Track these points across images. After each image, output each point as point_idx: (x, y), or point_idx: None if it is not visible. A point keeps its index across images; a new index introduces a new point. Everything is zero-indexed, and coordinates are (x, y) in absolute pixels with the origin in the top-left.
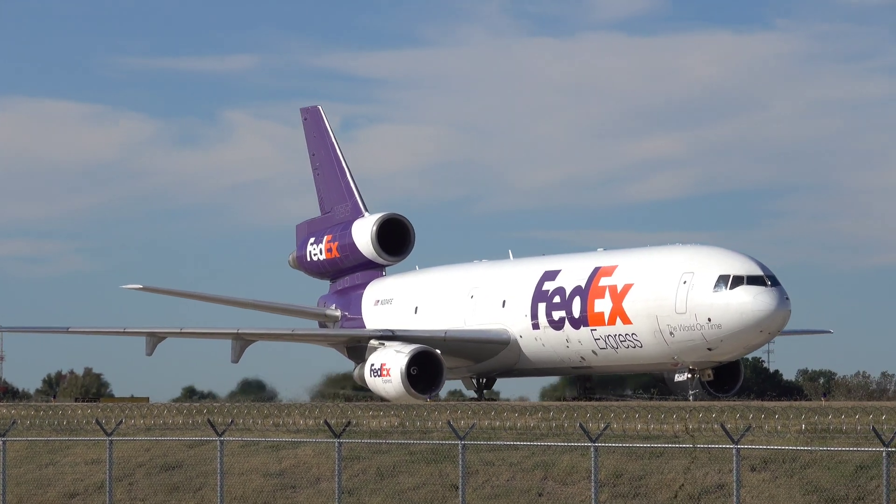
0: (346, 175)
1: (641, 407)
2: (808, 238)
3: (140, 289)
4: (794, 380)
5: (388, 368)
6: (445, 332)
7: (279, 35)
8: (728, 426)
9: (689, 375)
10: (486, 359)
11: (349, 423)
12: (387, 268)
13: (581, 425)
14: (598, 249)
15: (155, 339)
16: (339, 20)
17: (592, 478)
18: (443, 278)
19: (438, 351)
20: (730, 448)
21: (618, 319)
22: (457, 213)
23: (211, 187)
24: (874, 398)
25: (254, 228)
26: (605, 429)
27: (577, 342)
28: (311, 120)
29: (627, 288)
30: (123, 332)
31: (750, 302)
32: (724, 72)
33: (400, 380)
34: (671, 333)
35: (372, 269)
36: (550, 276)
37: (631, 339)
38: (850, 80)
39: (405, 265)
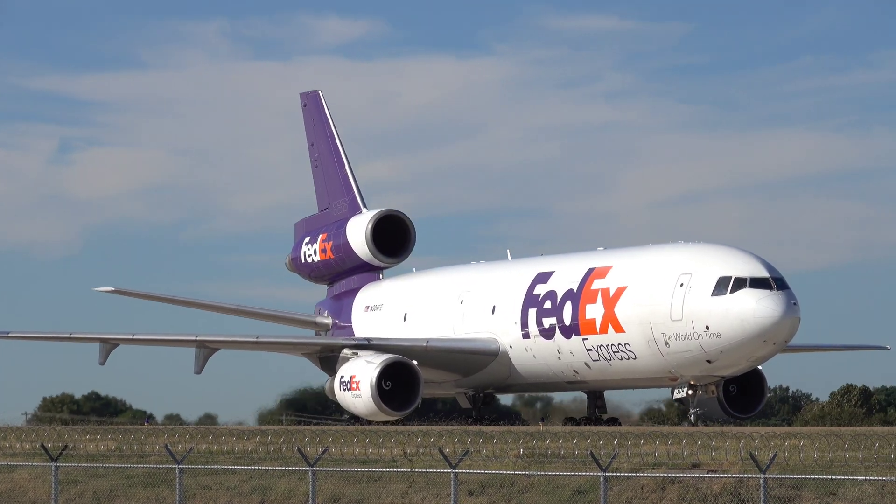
0: (344, 167)
1: (360, 431)
2: None
3: (112, 291)
4: (510, 405)
5: (357, 381)
6: (427, 340)
7: None
8: (446, 450)
9: (690, 392)
10: (475, 372)
11: (66, 446)
12: (385, 270)
13: (299, 449)
14: (598, 248)
15: (108, 346)
16: (55, 42)
17: (310, 502)
18: (435, 282)
19: (415, 362)
20: (447, 472)
21: (609, 327)
22: (174, 236)
23: None
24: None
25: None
26: (323, 453)
27: (568, 353)
28: (311, 106)
29: (620, 291)
30: (69, 338)
31: (752, 308)
32: (446, 97)
33: (370, 394)
34: (666, 343)
35: (368, 272)
36: (543, 278)
37: (624, 349)
38: (569, 105)
39: (404, 267)
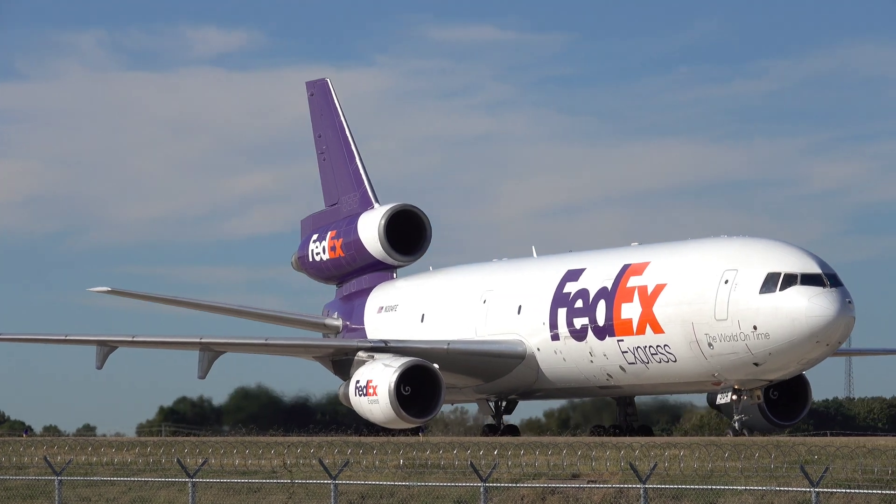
0: (355, 160)
1: (239, 442)
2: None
3: (108, 292)
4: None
5: (374, 386)
6: (448, 343)
7: None
8: (327, 461)
9: (734, 397)
10: (500, 376)
11: None
12: (398, 269)
13: (179, 461)
14: (633, 244)
15: (105, 348)
16: None
17: None
18: (455, 281)
19: (436, 366)
20: (328, 483)
21: (647, 327)
22: (53, 247)
23: None
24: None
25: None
26: (203, 464)
27: (602, 356)
28: (319, 95)
29: (659, 289)
30: (65, 341)
31: (804, 306)
32: None
33: (388, 400)
34: (710, 345)
35: (381, 271)
36: (573, 275)
37: (663, 351)
38: (449, 116)
39: (419, 266)
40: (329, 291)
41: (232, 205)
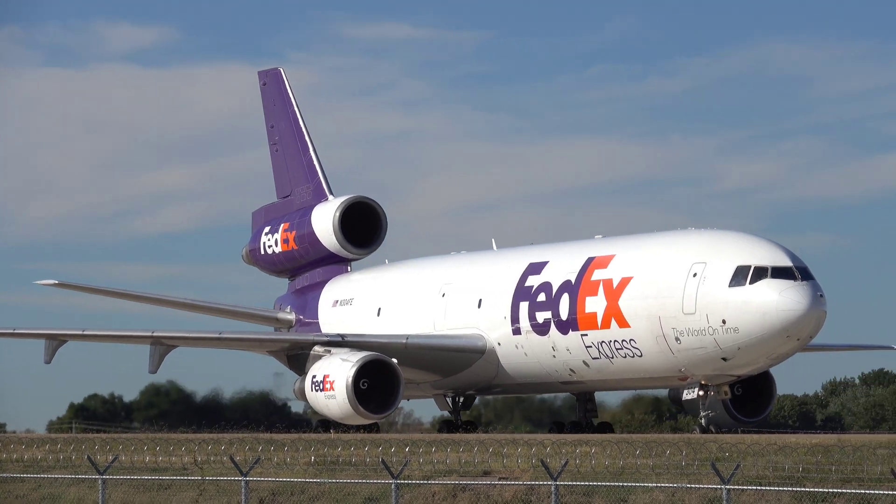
0: (308, 150)
1: (150, 439)
2: None
3: (55, 284)
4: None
5: (331, 381)
6: (407, 337)
7: None
8: (237, 458)
9: (701, 393)
10: (459, 371)
11: None
12: (353, 262)
13: (89, 457)
14: (597, 236)
15: (55, 342)
16: None
17: None
18: (412, 274)
19: (395, 360)
20: (238, 480)
21: (613, 321)
22: None
23: None
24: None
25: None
26: (113, 461)
27: (565, 350)
28: (272, 85)
29: (625, 282)
30: (13, 334)
31: (775, 300)
32: (240, 105)
33: (346, 395)
34: (677, 339)
35: (335, 265)
36: (536, 268)
37: (629, 346)
38: (365, 114)
39: (375, 259)
40: (280, 286)
41: (142, 203)
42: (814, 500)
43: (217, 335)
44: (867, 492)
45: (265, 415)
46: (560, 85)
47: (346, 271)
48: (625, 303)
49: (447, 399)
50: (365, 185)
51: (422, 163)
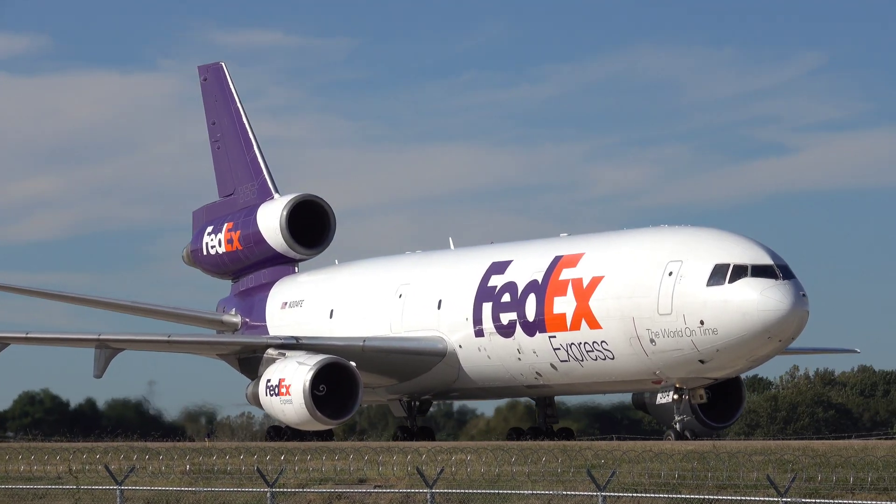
0: (252, 148)
1: (24, 448)
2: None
3: None
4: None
5: (287, 385)
6: (364, 339)
7: None
8: (112, 467)
9: (676, 396)
10: (417, 375)
11: None
12: (300, 263)
13: None
14: (562, 234)
15: None
16: None
17: None
18: (366, 274)
19: (353, 364)
20: (113, 489)
21: (583, 323)
22: None
23: None
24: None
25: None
26: None
27: (531, 353)
28: (213, 80)
29: (596, 282)
30: None
31: (756, 299)
32: (109, 112)
33: (303, 400)
34: (652, 341)
35: (282, 265)
36: (499, 268)
37: (600, 348)
38: None
39: (323, 259)
40: (222, 287)
41: (11, 211)
42: None
43: (166, 338)
44: (743, 498)
45: (139, 424)
46: (429, 92)
47: (294, 272)
48: (596, 303)
49: (402, 404)
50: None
51: (291, 170)
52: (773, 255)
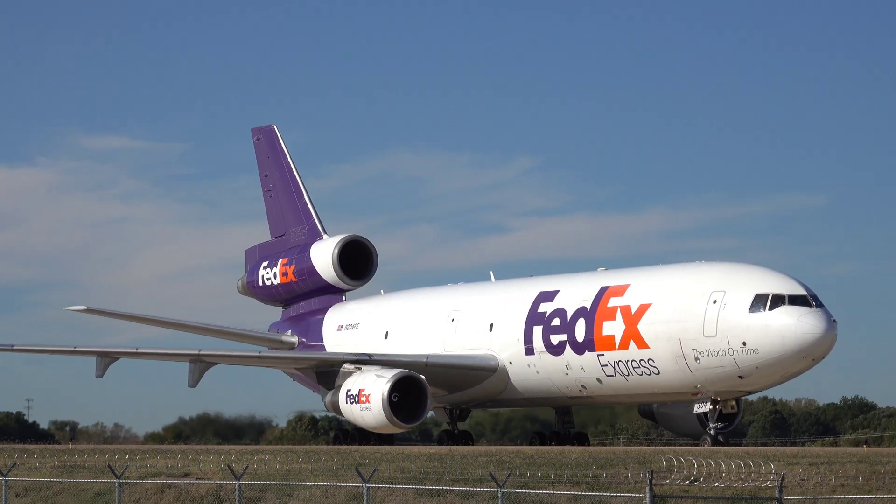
0: (303, 196)
1: None
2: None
3: (84, 310)
4: (46, 428)
5: (367, 394)
6: (427, 356)
7: None
8: None
9: (711, 407)
10: (469, 387)
11: None
12: (347, 293)
13: None
14: (600, 269)
15: (107, 359)
16: None
17: None
18: (415, 302)
19: (423, 376)
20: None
21: (631, 343)
22: None
23: None
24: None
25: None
26: None
27: (578, 368)
28: (265, 140)
29: (644, 308)
30: (73, 352)
31: (793, 324)
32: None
33: (381, 407)
34: (696, 359)
35: (331, 294)
36: (547, 297)
37: (647, 364)
38: (95, 204)
39: (367, 290)
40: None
41: None
42: (431, 495)
43: (258, 354)
44: (471, 489)
45: (18, 431)
46: (239, 183)
47: (342, 300)
48: (645, 326)
49: (445, 411)
50: (93, 257)
51: (137, 241)
52: (806, 287)
